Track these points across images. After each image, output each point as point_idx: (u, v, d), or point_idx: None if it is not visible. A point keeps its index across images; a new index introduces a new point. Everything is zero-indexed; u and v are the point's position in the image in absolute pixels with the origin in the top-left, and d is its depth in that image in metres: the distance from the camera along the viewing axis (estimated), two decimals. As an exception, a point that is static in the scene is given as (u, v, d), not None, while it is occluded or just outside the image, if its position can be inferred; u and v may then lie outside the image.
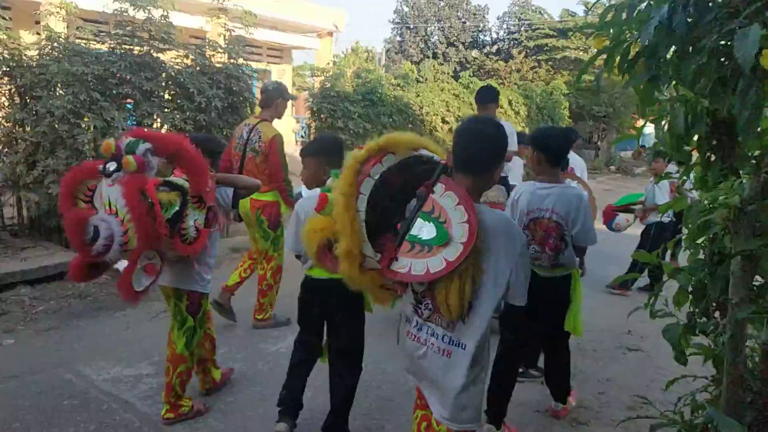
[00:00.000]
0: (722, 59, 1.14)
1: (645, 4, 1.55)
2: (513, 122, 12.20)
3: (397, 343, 1.96)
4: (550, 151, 2.81)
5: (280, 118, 4.40)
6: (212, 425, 2.89)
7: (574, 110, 17.52)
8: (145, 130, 2.62)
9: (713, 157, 1.74)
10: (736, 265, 1.42)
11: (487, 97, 4.91)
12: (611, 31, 1.61)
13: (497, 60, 25.04)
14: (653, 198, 5.27)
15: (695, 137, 1.73)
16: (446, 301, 1.64)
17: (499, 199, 3.75)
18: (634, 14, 1.47)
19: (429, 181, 1.69)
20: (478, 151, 1.75)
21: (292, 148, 9.94)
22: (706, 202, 1.91)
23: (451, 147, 1.82)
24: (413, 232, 1.67)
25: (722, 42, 1.09)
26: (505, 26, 27.65)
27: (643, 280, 5.47)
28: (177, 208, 2.48)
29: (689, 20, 1.20)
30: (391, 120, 8.96)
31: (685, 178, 1.90)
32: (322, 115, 8.07)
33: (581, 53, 21.43)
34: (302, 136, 13.50)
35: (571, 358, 3.20)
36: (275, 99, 4.22)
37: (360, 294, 2.53)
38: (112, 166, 2.33)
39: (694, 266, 1.86)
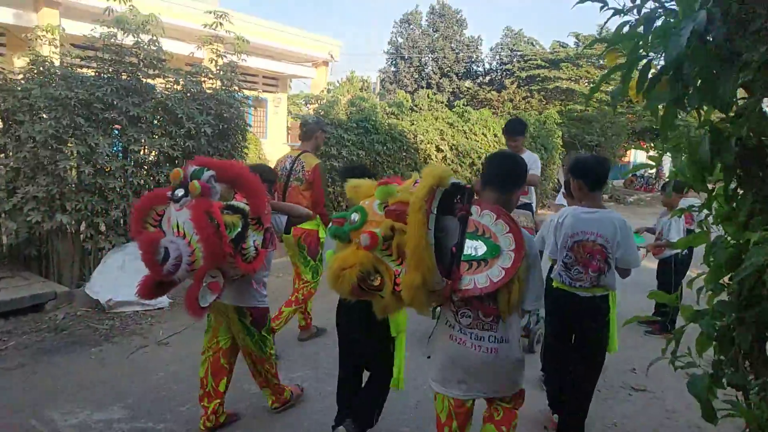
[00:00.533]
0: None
1: (662, 19, 1.41)
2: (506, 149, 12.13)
3: (428, 350, 2.25)
4: (587, 177, 2.98)
5: (319, 149, 4.83)
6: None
7: (567, 139, 17.50)
8: (206, 158, 2.82)
9: (740, 189, 1.58)
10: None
11: (517, 129, 5.19)
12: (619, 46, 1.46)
13: (490, 90, 25.22)
14: (668, 232, 5.03)
15: (718, 167, 1.58)
16: (509, 301, 1.98)
17: (528, 223, 4.14)
18: (653, 27, 1.32)
19: (464, 206, 1.91)
20: (504, 170, 2.22)
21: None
22: (729, 237, 1.75)
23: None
24: (467, 252, 1.94)
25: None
26: (497, 57, 27.99)
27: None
28: (239, 229, 2.65)
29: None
30: (385, 148, 8.82)
31: (706, 211, 1.73)
32: (315, 143, 7.94)
33: (572, 84, 21.63)
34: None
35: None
36: (315, 132, 4.55)
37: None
38: (180, 192, 2.51)
39: (719, 309, 1.67)
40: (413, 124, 10.06)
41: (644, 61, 1.30)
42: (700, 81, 1.12)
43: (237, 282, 2.85)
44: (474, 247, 1.95)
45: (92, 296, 4.89)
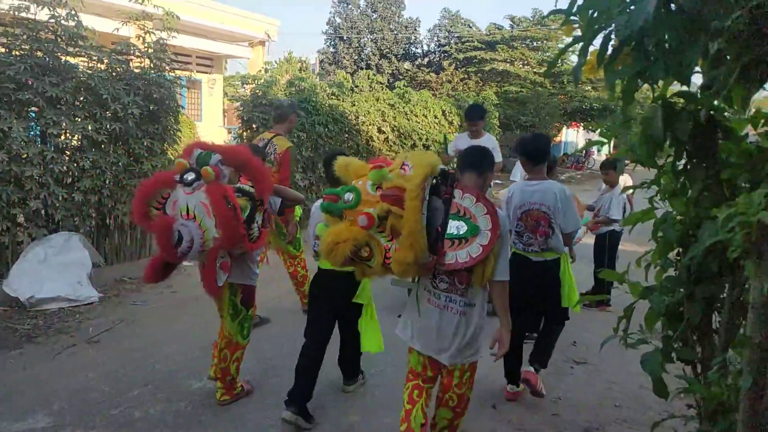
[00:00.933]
0: (746, 43, 0.93)
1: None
2: (446, 130, 12.19)
3: (419, 315, 2.39)
4: (527, 155, 3.35)
5: (290, 132, 5.04)
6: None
7: (503, 120, 17.90)
8: (209, 142, 2.87)
9: (690, 165, 1.58)
10: (757, 297, 1.16)
11: (476, 114, 5.53)
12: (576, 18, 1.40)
13: (429, 72, 25.28)
14: (608, 209, 5.15)
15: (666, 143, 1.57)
16: (483, 274, 2.23)
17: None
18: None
19: (448, 189, 2.16)
20: (478, 157, 2.51)
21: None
22: (675, 213, 1.76)
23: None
24: (450, 231, 2.18)
25: (744, 22, 0.88)
26: (435, 39, 28.02)
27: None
28: (248, 211, 2.77)
29: None
30: (326, 130, 8.61)
31: (656, 187, 1.74)
32: (253, 125, 7.60)
33: (508, 65, 22.07)
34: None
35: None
36: (289, 114, 4.69)
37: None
38: (190, 176, 2.56)
39: (668, 285, 1.68)
40: (354, 105, 9.89)
41: (603, 32, 1.24)
42: (663, 52, 1.07)
43: (235, 260, 2.94)
44: (456, 227, 2.20)
45: (11, 294, 4.49)
